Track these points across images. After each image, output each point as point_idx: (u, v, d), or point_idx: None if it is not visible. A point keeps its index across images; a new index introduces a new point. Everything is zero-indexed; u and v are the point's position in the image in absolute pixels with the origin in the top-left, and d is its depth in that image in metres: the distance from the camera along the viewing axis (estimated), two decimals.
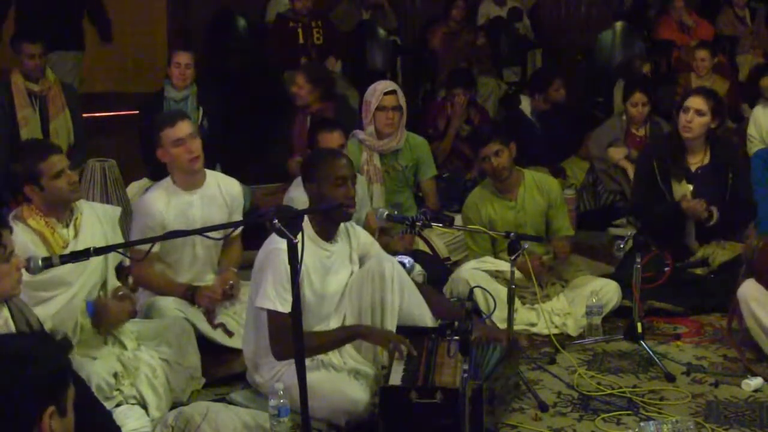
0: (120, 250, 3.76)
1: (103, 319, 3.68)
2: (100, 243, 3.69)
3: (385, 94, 5.35)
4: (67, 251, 3.56)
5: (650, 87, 6.58)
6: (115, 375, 3.62)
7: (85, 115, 6.68)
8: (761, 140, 6.74)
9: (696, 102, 4.89)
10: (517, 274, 4.08)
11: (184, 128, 4.24)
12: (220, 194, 4.41)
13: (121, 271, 4.32)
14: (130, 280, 4.37)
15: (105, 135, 7.77)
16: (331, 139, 4.77)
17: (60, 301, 3.65)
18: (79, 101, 6.55)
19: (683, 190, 4.96)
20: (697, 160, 5.00)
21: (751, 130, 6.85)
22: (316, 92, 5.99)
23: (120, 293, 3.81)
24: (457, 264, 5.18)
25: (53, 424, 1.87)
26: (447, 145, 6.83)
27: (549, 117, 7.16)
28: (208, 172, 4.43)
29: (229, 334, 4.22)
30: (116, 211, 4.02)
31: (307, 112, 6.05)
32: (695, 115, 4.87)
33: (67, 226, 3.72)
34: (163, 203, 4.26)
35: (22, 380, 1.86)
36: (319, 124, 5.10)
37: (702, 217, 4.87)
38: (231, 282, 4.29)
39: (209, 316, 4.23)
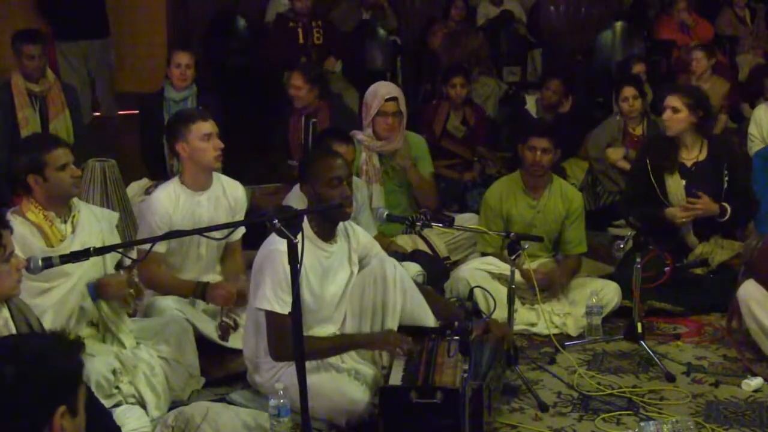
0: (120, 250, 3.77)
1: (106, 295, 3.69)
2: (98, 241, 3.71)
3: (387, 100, 5.32)
4: (64, 246, 3.59)
5: (641, 83, 6.58)
6: (114, 371, 3.63)
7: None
8: (762, 140, 6.73)
9: (670, 100, 4.97)
10: (517, 276, 4.09)
11: (213, 125, 4.31)
12: (225, 197, 4.41)
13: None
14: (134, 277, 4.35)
15: (105, 135, 7.78)
16: (345, 153, 4.63)
17: (60, 292, 3.66)
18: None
19: (676, 185, 4.97)
20: (692, 156, 5.01)
21: (752, 129, 6.84)
22: (314, 91, 5.98)
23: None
24: (457, 264, 5.18)
25: (64, 424, 1.87)
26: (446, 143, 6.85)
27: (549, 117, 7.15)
28: (214, 174, 4.44)
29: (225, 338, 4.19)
30: (114, 216, 4.02)
31: (303, 112, 6.04)
32: (671, 113, 4.95)
33: (65, 222, 3.73)
34: (172, 203, 4.26)
35: (35, 380, 1.86)
36: (331, 133, 5.02)
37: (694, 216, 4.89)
38: (244, 291, 4.24)
39: (223, 333, 4.16)
